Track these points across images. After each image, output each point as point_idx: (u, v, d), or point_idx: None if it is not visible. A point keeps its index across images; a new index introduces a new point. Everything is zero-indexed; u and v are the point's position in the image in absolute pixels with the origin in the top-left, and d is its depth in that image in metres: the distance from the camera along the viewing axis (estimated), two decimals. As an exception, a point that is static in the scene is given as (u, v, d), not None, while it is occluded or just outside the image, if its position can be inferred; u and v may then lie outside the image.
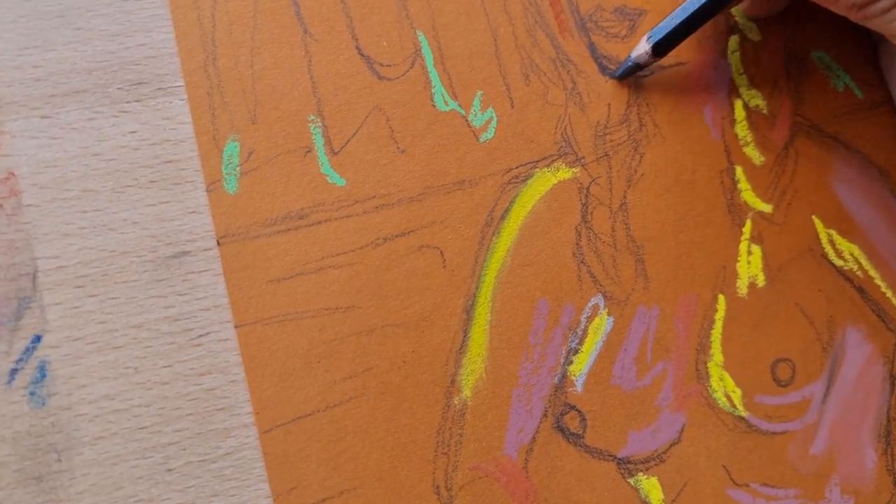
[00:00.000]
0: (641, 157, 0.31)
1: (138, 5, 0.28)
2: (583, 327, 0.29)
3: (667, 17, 0.30)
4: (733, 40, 0.33)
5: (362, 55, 0.29)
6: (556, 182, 0.30)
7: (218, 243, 0.27)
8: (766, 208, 0.31)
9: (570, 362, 0.29)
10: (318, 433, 0.27)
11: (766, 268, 0.31)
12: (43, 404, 0.25)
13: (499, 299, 0.29)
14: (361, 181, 0.29)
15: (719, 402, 0.30)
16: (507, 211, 0.29)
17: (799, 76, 0.33)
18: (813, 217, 0.32)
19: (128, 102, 0.28)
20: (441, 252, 0.29)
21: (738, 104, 0.32)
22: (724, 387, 0.30)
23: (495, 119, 0.30)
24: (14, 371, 0.25)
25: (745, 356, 0.30)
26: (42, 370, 0.26)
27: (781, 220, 0.31)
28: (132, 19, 0.28)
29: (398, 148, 0.29)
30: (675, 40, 0.30)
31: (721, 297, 0.30)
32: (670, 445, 0.29)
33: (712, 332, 0.30)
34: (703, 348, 0.30)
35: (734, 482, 0.29)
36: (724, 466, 0.29)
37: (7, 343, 0.26)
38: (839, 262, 0.32)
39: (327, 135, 0.29)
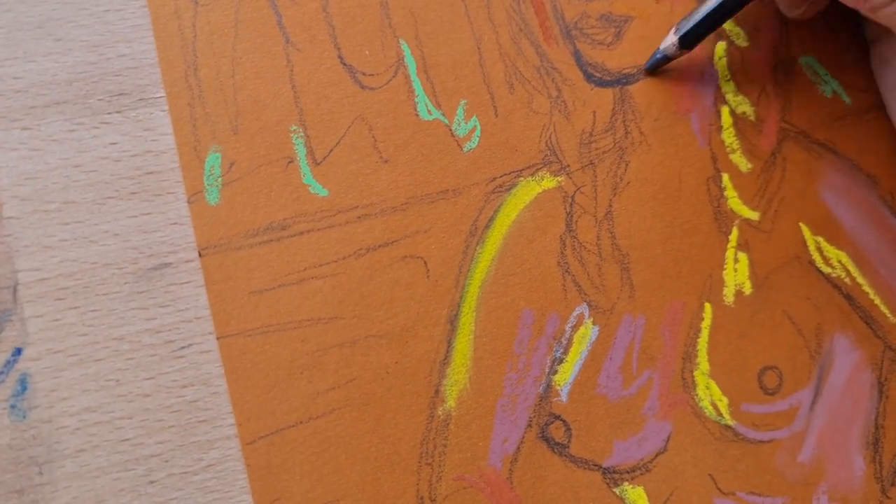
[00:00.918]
0: (627, 164, 0.31)
1: (119, 16, 0.28)
2: (567, 336, 0.29)
3: (694, 9, 0.30)
4: (720, 47, 0.33)
5: (345, 64, 0.29)
6: (540, 191, 0.30)
7: (200, 255, 0.27)
8: (753, 216, 0.31)
9: (555, 372, 0.29)
10: (301, 444, 0.27)
11: (753, 275, 0.31)
12: (24, 417, 0.25)
13: (483, 309, 0.29)
14: (344, 191, 0.28)
15: (706, 410, 0.30)
16: (491, 220, 0.29)
17: (786, 82, 0.33)
18: (800, 224, 0.32)
19: (109, 114, 0.28)
20: (425, 262, 0.29)
21: (725, 111, 0.32)
22: (710, 395, 0.30)
23: (479, 128, 0.30)
24: (-5, 384, 0.25)
25: (731, 364, 0.30)
26: (23, 383, 0.26)
27: (768, 228, 0.31)
28: (113, 30, 0.28)
29: (381, 158, 0.29)
30: (702, 32, 0.30)
31: (707, 306, 0.30)
32: (656, 454, 0.29)
33: (699, 340, 0.30)
34: (690, 357, 0.30)
35: (721, 491, 0.29)
36: (710, 475, 0.29)
37: (-12, 356, 0.25)
38: (827, 270, 0.31)
39: (309, 145, 0.29)
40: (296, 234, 0.28)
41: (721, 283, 0.31)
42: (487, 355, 0.28)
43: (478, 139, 0.30)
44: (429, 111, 0.30)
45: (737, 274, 0.31)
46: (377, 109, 0.29)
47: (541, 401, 0.29)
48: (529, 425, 0.28)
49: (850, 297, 0.31)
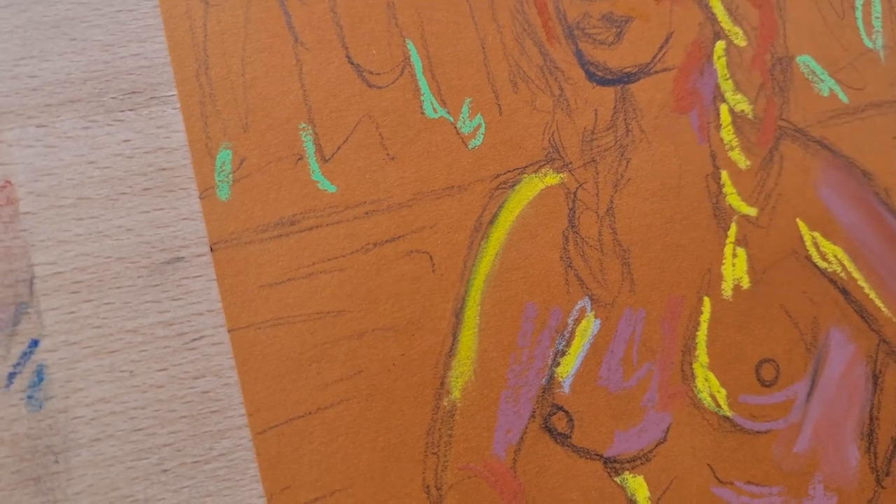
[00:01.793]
0: (628, 162, 0.31)
1: (131, 16, 0.29)
2: (570, 330, 0.30)
3: None
4: (719, 46, 0.33)
5: (352, 64, 0.30)
6: (543, 187, 0.31)
7: (211, 249, 0.28)
8: (752, 212, 0.32)
9: (558, 364, 0.29)
10: (310, 434, 0.27)
11: (751, 270, 0.32)
12: (40, 407, 0.26)
13: (487, 303, 0.29)
14: (352, 188, 0.29)
15: (704, 401, 0.30)
16: (495, 216, 0.30)
17: (784, 81, 0.33)
18: (797, 220, 0.32)
19: (122, 111, 0.28)
20: (430, 257, 0.29)
21: (724, 109, 0.33)
22: (709, 387, 0.30)
23: (484, 126, 0.31)
24: (12, 375, 0.26)
25: (729, 357, 0.31)
26: (39, 374, 0.26)
27: (766, 224, 0.32)
28: (126, 30, 0.29)
29: (388, 155, 0.30)
30: None
31: (706, 300, 0.31)
32: (656, 445, 0.30)
33: (697, 333, 0.31)
34: (689, 349, 0.31)
35: (719, 480, 0.30)
36: (709, 465, 0.30)
37: (5, 347, 0.26)
38: (823, 265, 0.32)
39: (318, 142, 0.29)
40: (305, 230, 0.28)
41: (720, 277, 0.31)
42: (492, 348, 0.29)
43: (482, 137, 0.30)
44: (434, 109, 0.30)
45: (735, 269, 0.31)
46: (384, 107, 0.30)
47: (544, 392, 0.29)
48: (533, 416, 0.29)
49: (846, 291, 0.32)
